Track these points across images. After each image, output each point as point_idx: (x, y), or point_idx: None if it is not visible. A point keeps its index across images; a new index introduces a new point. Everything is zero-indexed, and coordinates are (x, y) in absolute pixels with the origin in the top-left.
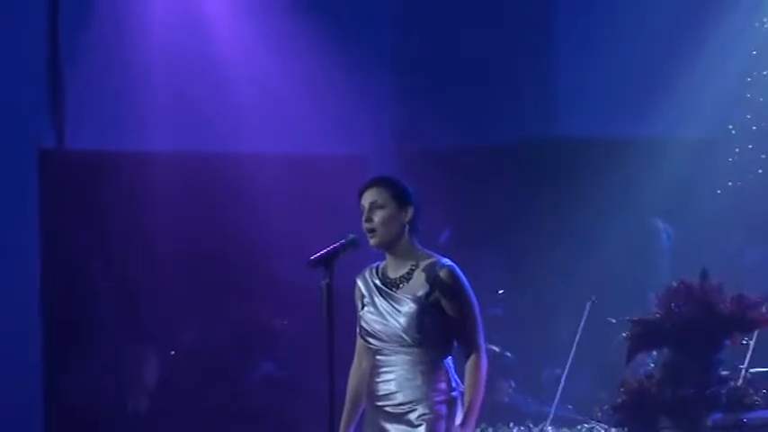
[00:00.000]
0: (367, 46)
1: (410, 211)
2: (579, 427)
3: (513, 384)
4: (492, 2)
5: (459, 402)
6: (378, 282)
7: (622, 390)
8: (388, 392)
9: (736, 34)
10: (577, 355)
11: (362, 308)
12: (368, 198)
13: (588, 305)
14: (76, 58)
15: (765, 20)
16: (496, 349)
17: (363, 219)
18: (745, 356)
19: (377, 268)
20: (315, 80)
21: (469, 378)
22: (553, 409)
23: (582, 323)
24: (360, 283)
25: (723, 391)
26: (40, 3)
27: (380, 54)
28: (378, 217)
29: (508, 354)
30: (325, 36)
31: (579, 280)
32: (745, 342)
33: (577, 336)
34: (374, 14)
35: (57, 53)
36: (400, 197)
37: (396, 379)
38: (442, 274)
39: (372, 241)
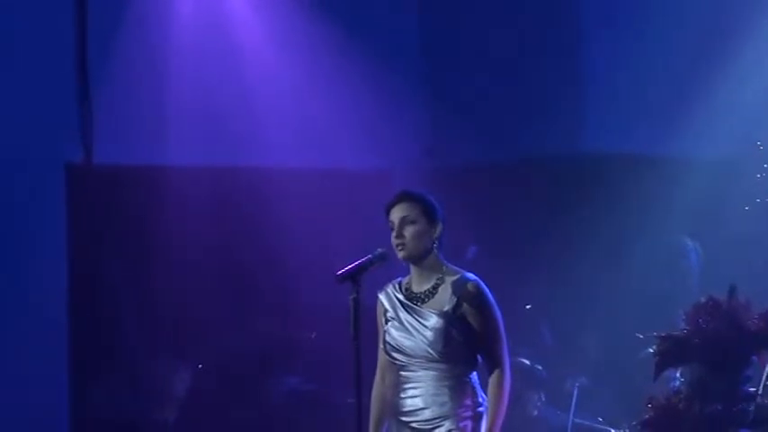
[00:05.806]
0: (395, 62)
1: (439, 228)
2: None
3: (542, 397)
4: (520, 26)
5: (485, 418)
6: (401, 296)
7: (650, 406)
8: (414, 408)
9: (765, 50)
10: (603, 370)
11: (386, 323)
12: (398, 213)
13: (576, 386)
14: (104, 73)
15: None
16: (527, 362)
17: (394, 234)
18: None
19: (399, 283)
20: (342, 95)
21: (493, 393)
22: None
23: (573, 405)
24: (383, 298)
25: (751, 408)
26: (68, 19)
27: (408, 69)
28: (409, 232)
29: (539, 367)
30: (353, 51)
31: (607, 294)
32: None
33: (571, 413)
34: (405, 34)
35: (84, 68)
36: (430, 213)
37: (422, 395)
38: (470, 287)
39: (401, 254)
